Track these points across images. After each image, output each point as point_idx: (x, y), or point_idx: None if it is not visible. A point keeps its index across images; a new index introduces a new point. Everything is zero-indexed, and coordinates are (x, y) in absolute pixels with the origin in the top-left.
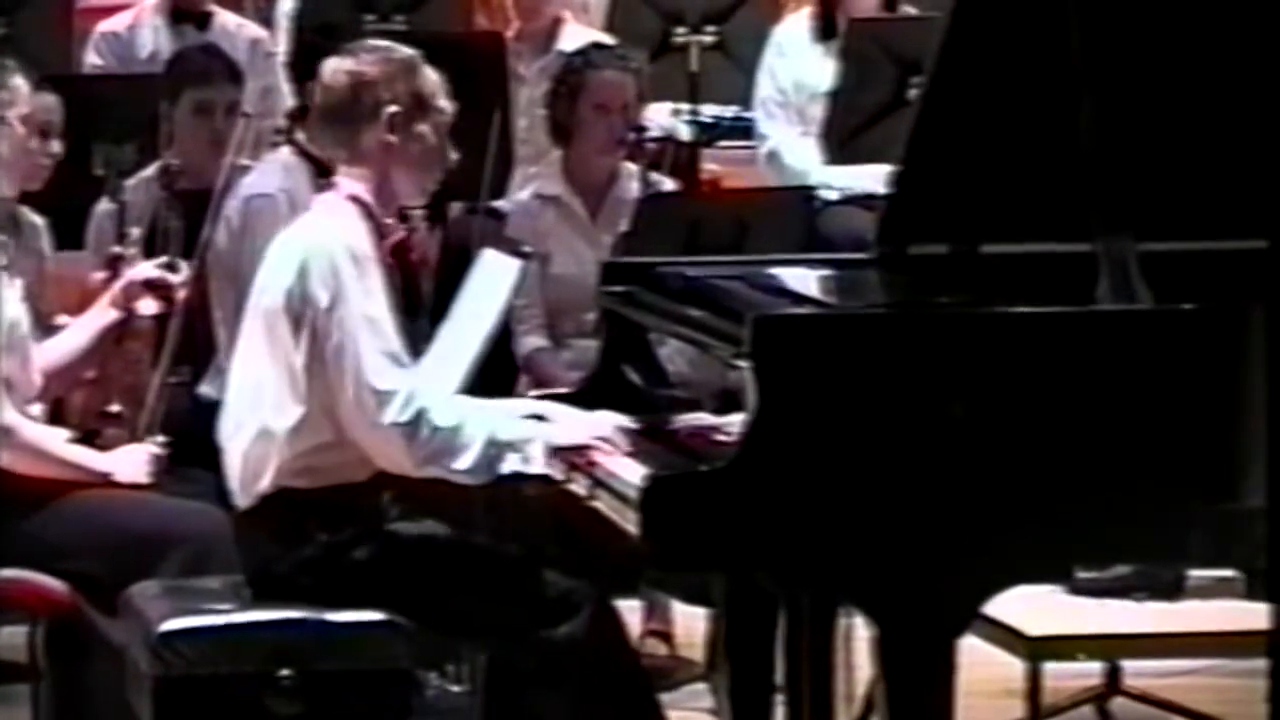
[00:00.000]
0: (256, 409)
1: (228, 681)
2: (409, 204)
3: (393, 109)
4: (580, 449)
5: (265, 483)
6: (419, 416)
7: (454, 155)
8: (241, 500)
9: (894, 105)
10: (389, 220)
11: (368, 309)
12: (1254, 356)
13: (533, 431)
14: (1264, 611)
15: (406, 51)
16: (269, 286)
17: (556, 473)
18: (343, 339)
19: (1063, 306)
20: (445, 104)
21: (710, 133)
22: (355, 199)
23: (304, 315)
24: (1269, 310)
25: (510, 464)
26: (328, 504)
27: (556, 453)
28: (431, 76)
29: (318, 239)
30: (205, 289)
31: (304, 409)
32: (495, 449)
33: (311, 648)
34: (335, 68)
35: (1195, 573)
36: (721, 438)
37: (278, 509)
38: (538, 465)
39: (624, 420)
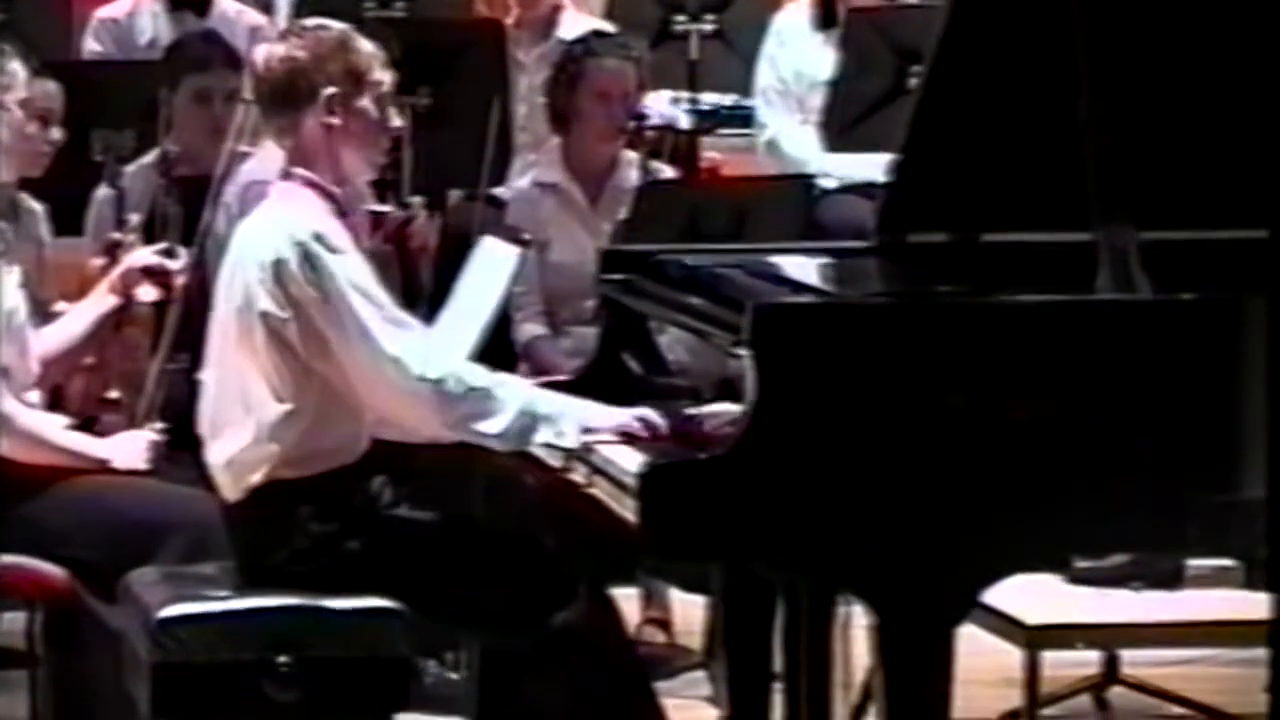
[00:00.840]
0: (237, 410)
1: (226, 668)
2: (358, 179)
3: (329, 90)
4: (613, 432)
5: (255, 478)
6: (450, 375)
7: (398, 123)
8: (230, 493)
9: (894, 94)
10: (346, 201)
11: (355, 280)
12: (1253, 347)
13: (568, 407)
14: (1262, 601)
15: (337, 28)
16: (237, 284)
17: (556, 460)
18: (343, 322)
19: (1063, 296)
20: (382, 75)
21: (710, 121)
22: (311, 184)
23: (289, 317)
24: (1269, 301)
25: (543, 435)
26: (319, 492)
27: (588, 433)
28: (366, 49)
29: (285, 232)
30: (204, 276)
31: (289, 405)
32: (529, 418)
33: (309, 635)
34: (268, 54)
35: (1194, 562)
36: (720, 425)
37: (268, 499)
38: (570, 441)
39: (653, 414)
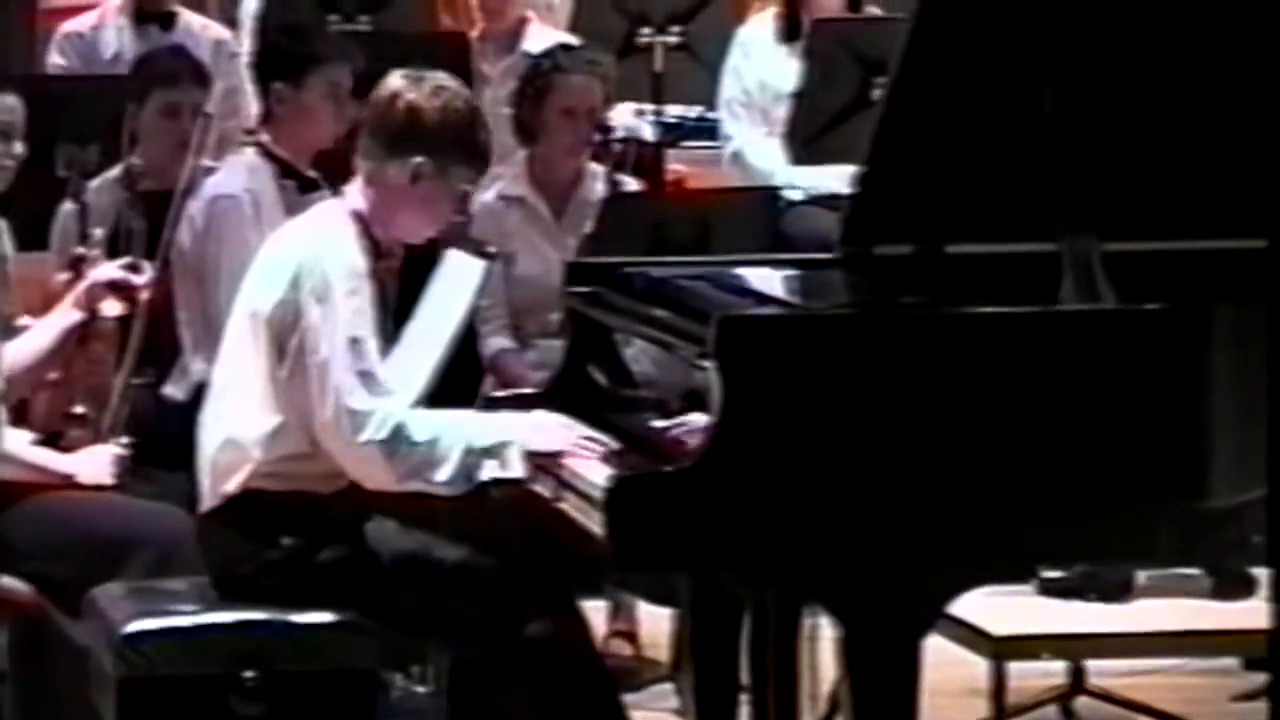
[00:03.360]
0: (234, 410)
1: (192, 683)
2: (405, 238)
3: (422, 160)
4: (555, 456)
5: (232, 485)
6: (396, 433)
7: (458, 216)
8: (207, 500)
9: (858, 105)
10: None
11: (354, 329)
12: (1219, 356)
13: (508, 436)
14: (1226, 611)
15: (468, 99)
16: (258, 289)
17: (523, 474)
18: (327, 357)
19: (1027, 306)
20: (478, 167)
21: (675, 133)
22: (360, 218)
23: (291, 327)
24: (1270, 310)
25: (488, 470)
26: (293, 507)
27: (531, 457)
28: (484, 134)
29: (314, 250)
30: (169, 290)
31: (281, 418)
32: (473, 457)
33: (276, 649)
34: (399, 90)
35: (1148, 572)
36: (686, 438)
37: (242, 510)
38: (515, 471)
39: (586, 429)
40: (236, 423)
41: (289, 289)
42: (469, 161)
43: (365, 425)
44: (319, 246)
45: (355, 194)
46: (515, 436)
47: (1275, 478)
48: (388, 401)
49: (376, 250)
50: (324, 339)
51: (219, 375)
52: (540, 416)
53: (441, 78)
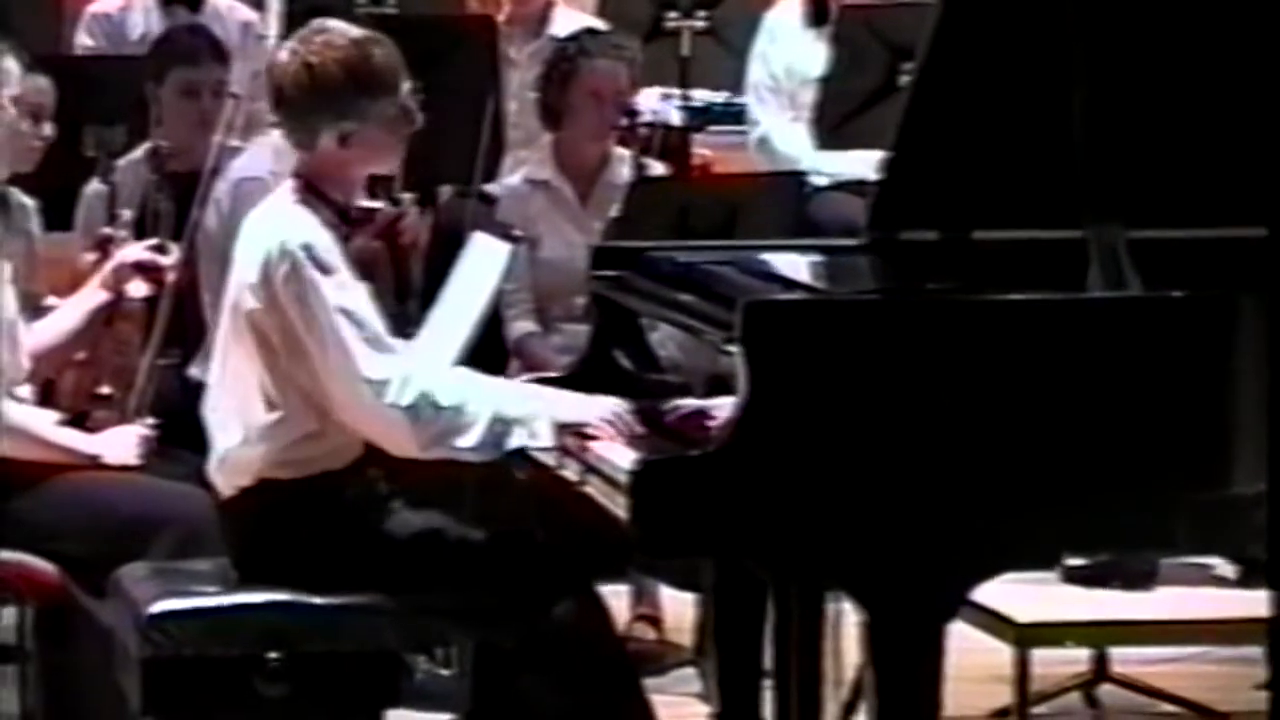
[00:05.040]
0: (234, 407)
1: (216, 663)
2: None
3: (346, 123)
4: (584, 427)
5: (246, 479)
6: (421, 398)
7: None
8: (224, 490)
9: (885, 91)
10: (359, 205)
11: (341, 301)
12: (1243, 344)
13: (538, 407)
14: (1251, 599)
15: (353, 35)
16: (236, 286)
17: (549, 457)
18: (323, 339)
19: (1053, 294)
20: (401, 86)
21: (701, 118)
22: (316, 191)
23: (276, 321)
24: (1270, 300)
25: (517, 439)
26: (311, 491)
27: (562, 429)
28: (382, 57)
29: (276, 237)
30: (194, 272)
31: (281, 410)
32: (501, 425)
33: (300, 630)
34: (286, 62)
35: (1173, 561)
36: (712, 422)
37: (259, 499)
38: (545, 440)
39: (625, 406)
40: (238, 420)
41: (262, 284)
42: (375, 94)
43: (386, 389)
44: (280, 233)
45: (303, 169)
46: (545, 407)
47: (1275, 469)
48: (401, 361)
49: (344, 215)
50: (314, 323)
51: (215, 371)
52: (571, 393)
53: (314, 28)
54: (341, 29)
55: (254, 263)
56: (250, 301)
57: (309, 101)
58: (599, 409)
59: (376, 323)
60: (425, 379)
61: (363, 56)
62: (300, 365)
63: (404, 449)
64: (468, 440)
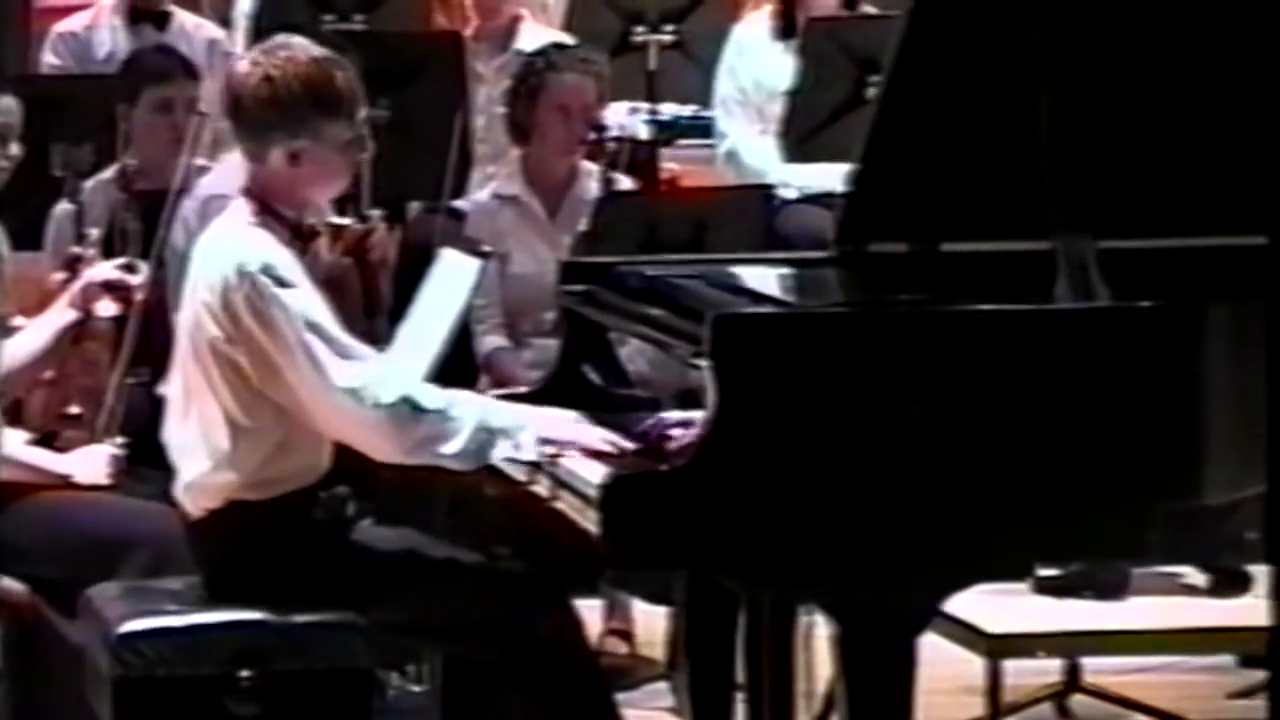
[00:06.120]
0: (195, 432)
1: (187, 682)
2: (317, 206)
3: (297, 141)
4: (568, 445)
5: (214, 501)
6: (402, 401)
7: (365, 155)
8: (192, 511)
9: (853, 104)
10: (311, 221)
11: (305, 314)
12: (1213, 353)
13: (523, 419)
14: (1222, 608)
15: (313, 54)
16: (192, 311)
17: (520, 472)
18: (293, 355)
19: (1022, 304)
20: (356, 109)
21: (669, 132)
22: (268, 208)
23: (240, 344)
24: (1269, 307)
25: (501, 450)
26: (280, 511)
27: (544, 444)
28: (341, 80)
29: (234, 260)
30: (163, 290)
31: (245, 431)
32: (486, 434)
33: (271, 648)
34: (244, 74)
35: (1144, 571)
36: (681, 436)
37: (230, 518)
38: (529, 453)
39: (600, 429)
40: (203, 446)
41: (223, 309)
42: (333, 115)
43: (365, 394)
44: (236, 255)
45: (252, 184)
46: (529, 421)
47: (1274, 476)
48: (370, 365)
49: (296, 232)
50: (282, 340)
51: (175, 396)
52: (554, 410)
53: (276, 45)
54: (304, 46)
55: (210, 287)
56: (211, 328)
57: (265, 114)
58: (584, 429)
59: (340, 332)
60: (405, 381)
61: (325, 76)
62: (273, 382)
63: (388, 454)
64: (452, 447)
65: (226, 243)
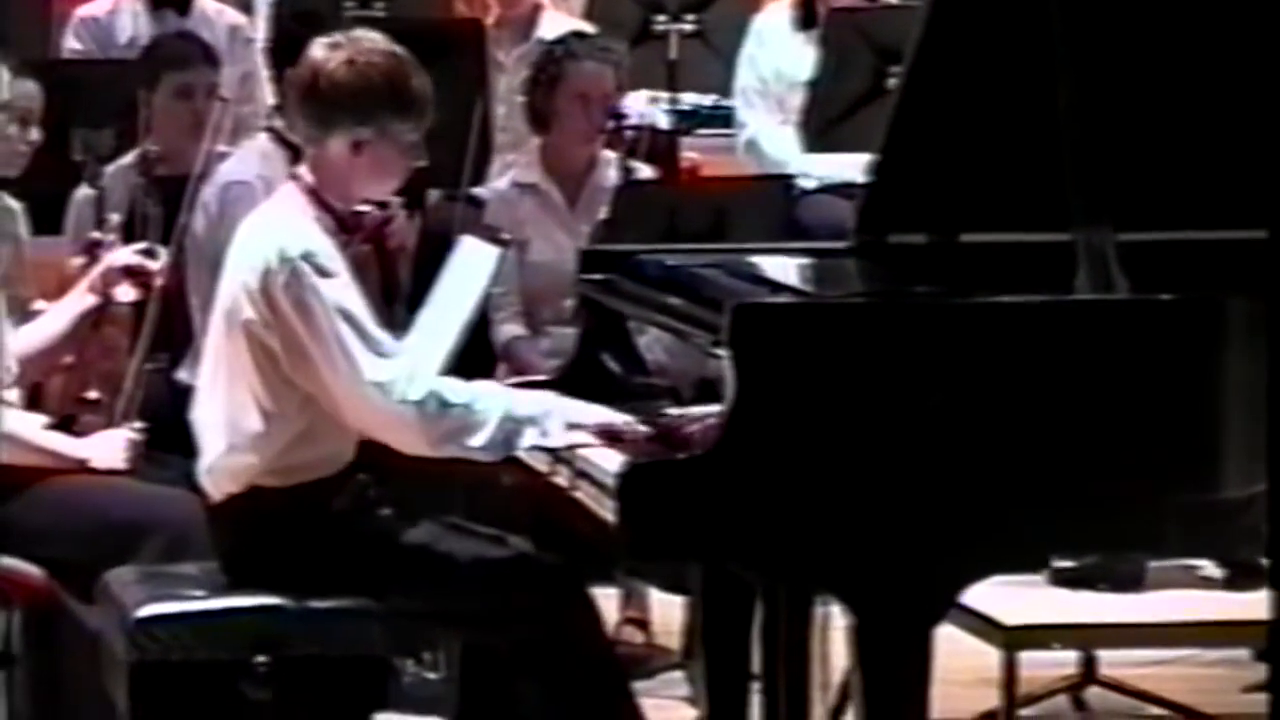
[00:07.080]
0: (221, 415)
1: (204, 667)
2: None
3: (363, 130)
4: (595, 429)
5: (235, 485)
6: (429, 395)
7: (422, 162)
8: (213, 495)
9: (873, 94)
10: (355, 211)
11: (341, 305)
12: (1232, 346)
13: (549, 406)
14: (1239, 601)
15: (392, 52)
16: (231, 293)
17: (538, 461)
18: (327, 345)
19: (1041, 296)
20: (423, 115)
21: (689, 121)
22: (314, 195)
23: (275, 328)
24: (1270, 302)
25: (528, 439)
26: (300, 498)
27: (572, 429)
28: (416, 84)
29: (277, 245)
30: (182, 276)
31: (272, 416)
32: (512, 423)
33: (288, 634)
34: (319, 60)
35: (1161, 563)
36: (700, 426)
37: (250, 503)
38: (556, 440)
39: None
40: (229, 428)
41: (261, 293)
42: (405, 114)
43: (393, 389)
44: (279, 239)
45: (305, 172)
46: (555, 407)
47: (1275, 470)
48: (402, 361)
49: (341, 224)
50: (317, 328)
51: (205, 377)
52: (575, 401)
53: (359, 35)
54: (386, 41)
55: (252, 269)
56: (248, 310)
57: (339, 97)
58: (606, 412)
59: (374, 325)
60: (432, 377)
61: (404, 74)
62: (303, 370)
63: (415, 447)
64: (479, 439)
65: (271, 227)
